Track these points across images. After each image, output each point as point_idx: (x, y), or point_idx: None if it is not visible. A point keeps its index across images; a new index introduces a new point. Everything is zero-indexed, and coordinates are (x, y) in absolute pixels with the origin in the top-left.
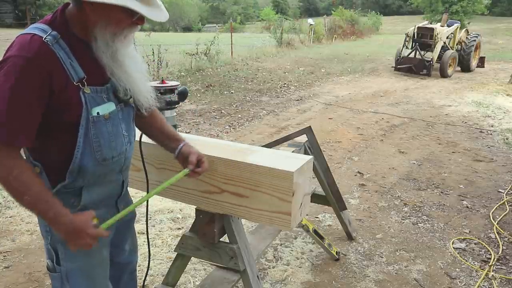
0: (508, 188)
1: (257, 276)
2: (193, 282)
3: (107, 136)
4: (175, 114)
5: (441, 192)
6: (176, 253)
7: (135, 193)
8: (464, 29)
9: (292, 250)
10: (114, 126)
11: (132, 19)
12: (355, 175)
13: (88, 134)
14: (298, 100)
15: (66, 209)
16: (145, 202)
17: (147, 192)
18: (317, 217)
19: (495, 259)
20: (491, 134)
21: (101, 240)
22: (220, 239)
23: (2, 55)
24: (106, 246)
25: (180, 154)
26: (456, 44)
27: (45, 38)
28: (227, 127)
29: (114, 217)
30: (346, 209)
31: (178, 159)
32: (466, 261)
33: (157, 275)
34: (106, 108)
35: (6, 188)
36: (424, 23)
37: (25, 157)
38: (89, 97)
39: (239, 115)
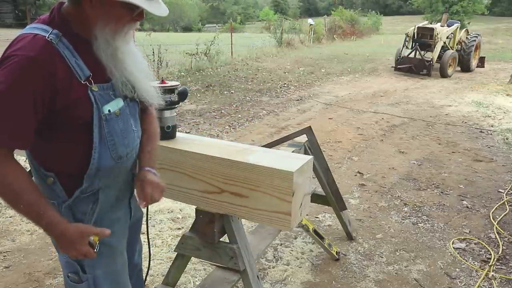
0: (508, 188)
1: (257, 276)
2: (193, 282)
3: (120, 133)
4: (175, 114)
5: (441, 192)
6: (176, 253)
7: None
8: (464, 29)
9: (292, 250)
10: (125, 123)
11: (132, 15)
12: (355, 175)
13: (102, 133)
14: (298, 100)
15: (59, 218)
16: None
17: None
18: (317, 217)
19: (495, 259)
20: (491, 134)
21: (122, 242)
22: (220, 239)
23: (2, 55)
24: (125, 247)
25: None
26: (456, 44)
27: (48, 37)
28: (227, 127)
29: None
30: (346, 209)
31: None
32: (466, 261)
33: (157, 275)
34: (116, 105)
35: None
36: (424, 23)
37: (35, 170)
38: (98, 95)
39: (239, 115)
